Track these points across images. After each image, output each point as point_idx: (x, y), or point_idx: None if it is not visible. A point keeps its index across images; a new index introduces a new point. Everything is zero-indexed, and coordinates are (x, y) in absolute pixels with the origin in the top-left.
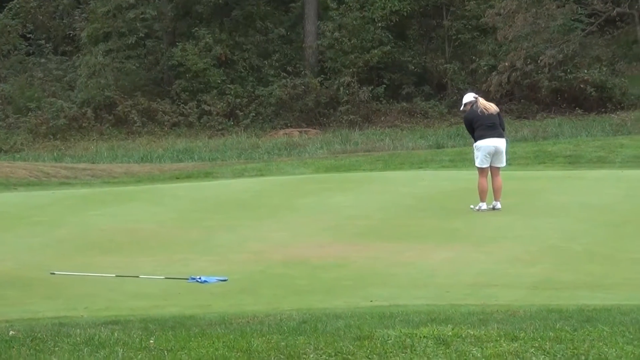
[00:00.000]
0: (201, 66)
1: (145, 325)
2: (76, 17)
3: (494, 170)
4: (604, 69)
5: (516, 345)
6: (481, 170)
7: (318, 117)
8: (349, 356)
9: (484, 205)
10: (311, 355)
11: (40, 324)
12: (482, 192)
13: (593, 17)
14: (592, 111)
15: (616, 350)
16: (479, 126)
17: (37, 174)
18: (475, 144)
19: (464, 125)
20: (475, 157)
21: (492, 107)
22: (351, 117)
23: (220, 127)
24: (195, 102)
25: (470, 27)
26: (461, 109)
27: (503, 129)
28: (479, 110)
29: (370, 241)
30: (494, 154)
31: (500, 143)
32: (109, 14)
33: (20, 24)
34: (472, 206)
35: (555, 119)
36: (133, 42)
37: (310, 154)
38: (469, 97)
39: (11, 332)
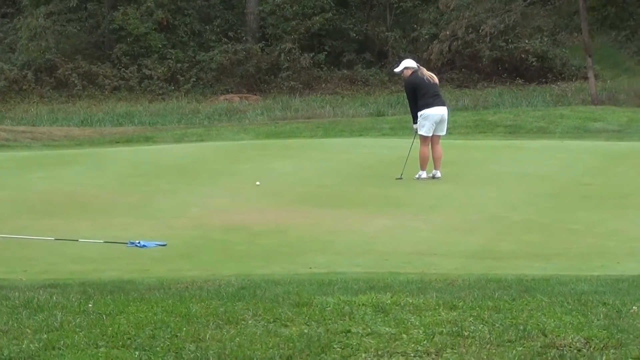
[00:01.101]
0: (142, 30)
1: (84, 289)
2: None
3: (434, 138)
4: (545, 39)
5: (455, 314)
6: (425, 139)
7: (259, 83)
8: (287, 322)
9: (424, 174)
10: (250, 321)
11: None
12: (424, 160)
13: None
14: (532, 81)
15: (554, 321)
16: (424, 94)
17: None
18: (421, 112)
19: (404, 93)
20: (421, 125)
21: (435, 77)
22: (292, 83)
23: (160, 92)
24: (136, 67)
25: None
26: (397, 70)
27: None
28: (425, 78)
29: (309, 208)
30: (439, 123)
31: (445, 111)
32: None
33: None
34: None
35: (496, 88)
36: (74, 5)
37: (250, 120)
38: (410, 62)
39: None
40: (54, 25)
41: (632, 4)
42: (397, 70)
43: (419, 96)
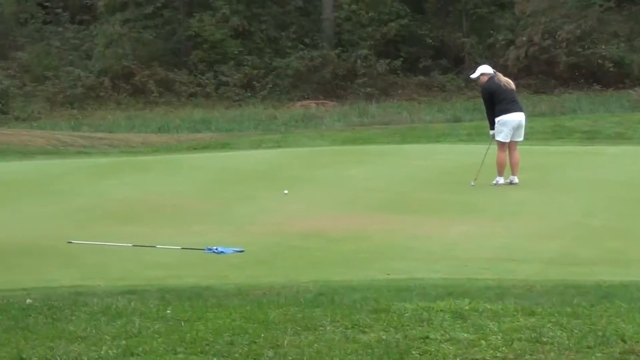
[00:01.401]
0: (218, 37)
1: (162, 296)
2: None
3: (512, 144)
4: (622, 44)
5: (533, 320)
6: (502, 145)
7: (335, 89)
8: (365, 328)
9: (501, 180)
10: (328, 327)
11: (57, 293)
12: (502, 166)
13: None
14: (610, 87)
15: (633, 327)
16: (502, 100)
17: (54, 143)
18: (499, 118)
19: (481, 99)
20: (499, 131)
21: (512, 83)
22: (368, 89)
23: (237, 98)
24: (213, 73)
25: (488, 1)
26: (473, 76)
27: None
28: (501, 84)
29: (387, 214)
30: (516, 129)
31: (523, 117)
32: None
33: None
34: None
35: (573, 94)
36: (150, 11)
37: (327, 126)
38: (486, 68)
39: (28, 301)
40: (130, 32)
41: None
42: (473, 76)
43: (496, 102)
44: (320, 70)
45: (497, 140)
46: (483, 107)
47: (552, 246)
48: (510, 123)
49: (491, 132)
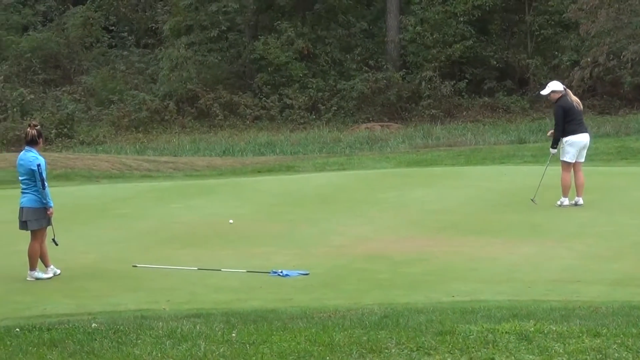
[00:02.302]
0: (283, 60)
1: (227, 319)
2: (158, 10)
3: (577, 165)
4: None
5: (599, 341)
6: (567, 165)
7: (400, 111)
8: (430, 351)
9: (566, 201)
10: (393, 350)
11: (122, 317)
12: (566, 187)
13: None
14: None
15: None
16: (572, 120)
17: (119, 167)
18: (566, 139)
19: (551, 118)
20: (565, 152)
21: (580, 103)
22: (433, 111)
23: (302, 121)
24: (277, 96)
25: (552, 22)
26: (544, 92)
27: None
28: (574, 103)
29: (452, 236)
30: (581, 149)
31: (588, 139)
32: (191, 7)
33: (103, 17)
34: (533, 200)
35: (638, 114)
36: (215, 35)
37: (392, 148)
38: (557, 85)
39: (94, 325)
40: (195, 56)
41: None
42: (544, 92)
43: (566, 121)
44: (385, 92)
45: (563, 161)
46: (548, 127)
47: (617, 267)
48: (578, 144)
49: (553, 150)
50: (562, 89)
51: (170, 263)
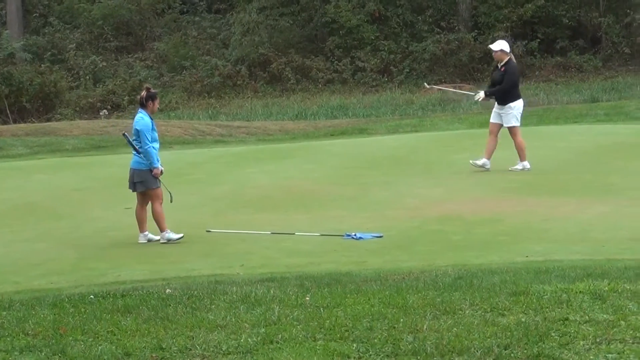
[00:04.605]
0: (355, 22)
1: (300, 282)
2: None
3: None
4: None
5: None
6: (518, 129)
7: (472, 72)
8: (504, 311)
9: (527, 164)
10: (467, 311)
11: (196, 282)
12: (524, 149)
13: None
14: None
15: None
16: (518, 84)
17: (192, 132)
18: (514, 104)
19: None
20: (513, 116)
21: None
22: None
23: (374, 84)
24: (349, 59)
25: None
26: (494, 48)
27: None
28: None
29: (525, 196)
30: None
31: None
32: None
33: None
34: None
35: None
36: None
37: (464, 110)
38: (507, 46)
39: (168, 290)
40: (267, 20)
41: None
42: (494, 47)
43: (514, 85)
44: (457, 54)
45: (515, 127)
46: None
47: None
48: (520, 109)
49: (481, 95)
50: (510, 53)
51: (244, 228)
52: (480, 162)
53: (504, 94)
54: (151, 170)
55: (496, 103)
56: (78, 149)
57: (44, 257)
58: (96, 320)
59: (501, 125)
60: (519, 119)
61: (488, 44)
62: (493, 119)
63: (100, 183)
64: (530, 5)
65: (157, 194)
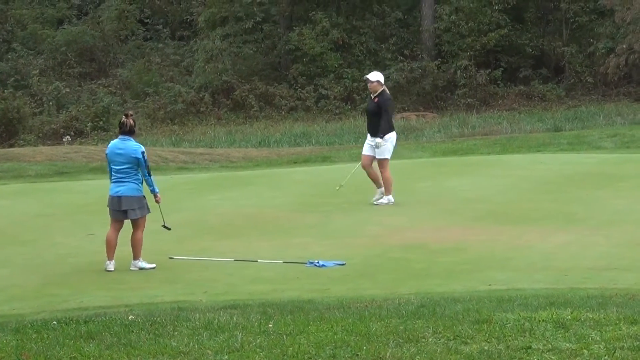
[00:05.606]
0: (318, 50)
1: (263, 310)
2: (193, 2)
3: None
4: None
5: (636, 328)
6: (388, 162)
7: (435, 100)
8: (467, 340)
9: (392, 198)
10: (430, 339)
11: (159, 309)
12: (391, 183)
13: None
14: None
15: None
16: (391, 115)
17: (155, 159)
18: (389, 136)
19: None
20: (387, 149)
21: None
22: (469, 100)
23: (337, 111)
24: (313, 86)
25: (587, 9)
26: (372, 78)
27: None
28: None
29: (488, 225)
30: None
31: None
32: None
33: (137, 9)
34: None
35: None
36: (250, 26)
37: (427, 138)
38: (382, 78)
39: (131, 317)
40: (230, 47)
41: None
42: (371, 78)
43: (390, 116)
44: (420, 82)
45: (385, 159)
46: (381, 115)
47: None
48: (393, 141)
49: (381, 140)
50: (383, 83)
51: (207, 255)
52: (384, 200)
53: (378, 127)
54: (144, 198)
55: (369, 135)
56: (41, 175)
57: (6, 282)
58: (59, 346)
59: (374, 157)
60: (392, 151)
61: (452, 72)
62: (366, 151)
63: (62, 209)
64: (493, 34)
65: (144, 221)
